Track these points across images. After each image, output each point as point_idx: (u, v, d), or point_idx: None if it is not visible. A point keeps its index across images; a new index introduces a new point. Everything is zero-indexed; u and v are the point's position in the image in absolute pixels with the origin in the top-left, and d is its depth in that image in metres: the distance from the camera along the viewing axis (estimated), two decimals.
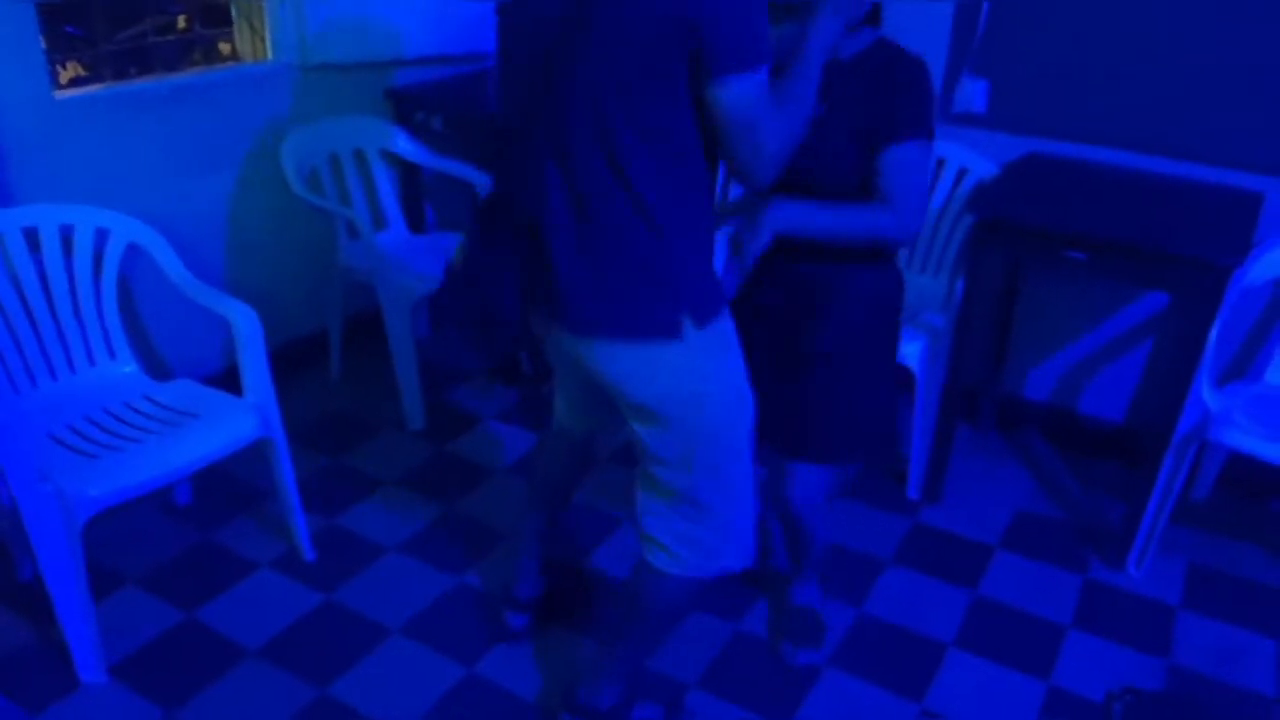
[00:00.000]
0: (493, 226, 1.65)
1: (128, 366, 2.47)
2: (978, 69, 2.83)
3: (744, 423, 1.66)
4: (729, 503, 1.68)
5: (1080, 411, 3.01)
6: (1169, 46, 2.61)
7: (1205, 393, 2.37)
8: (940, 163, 2.84)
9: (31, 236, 2.31)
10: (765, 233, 1.76)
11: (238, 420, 2.23)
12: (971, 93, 2.84)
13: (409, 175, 3.35)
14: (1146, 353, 2.87)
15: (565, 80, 1.44)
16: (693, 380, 1.57)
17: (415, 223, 3.39)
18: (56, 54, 3.25)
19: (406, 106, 3.25)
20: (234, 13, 3.07)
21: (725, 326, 1.60)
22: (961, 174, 2.82)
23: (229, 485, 2.69)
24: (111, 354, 2.46)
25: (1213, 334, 2.29)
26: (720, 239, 1.75)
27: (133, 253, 2.47)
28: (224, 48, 3.24)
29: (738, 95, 1.40)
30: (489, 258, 1.65)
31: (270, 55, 3.05)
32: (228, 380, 2.43)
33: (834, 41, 1.58)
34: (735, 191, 2.08)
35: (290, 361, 3.17)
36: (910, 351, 2.56)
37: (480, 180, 3.12)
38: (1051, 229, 2.37)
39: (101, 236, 2.41)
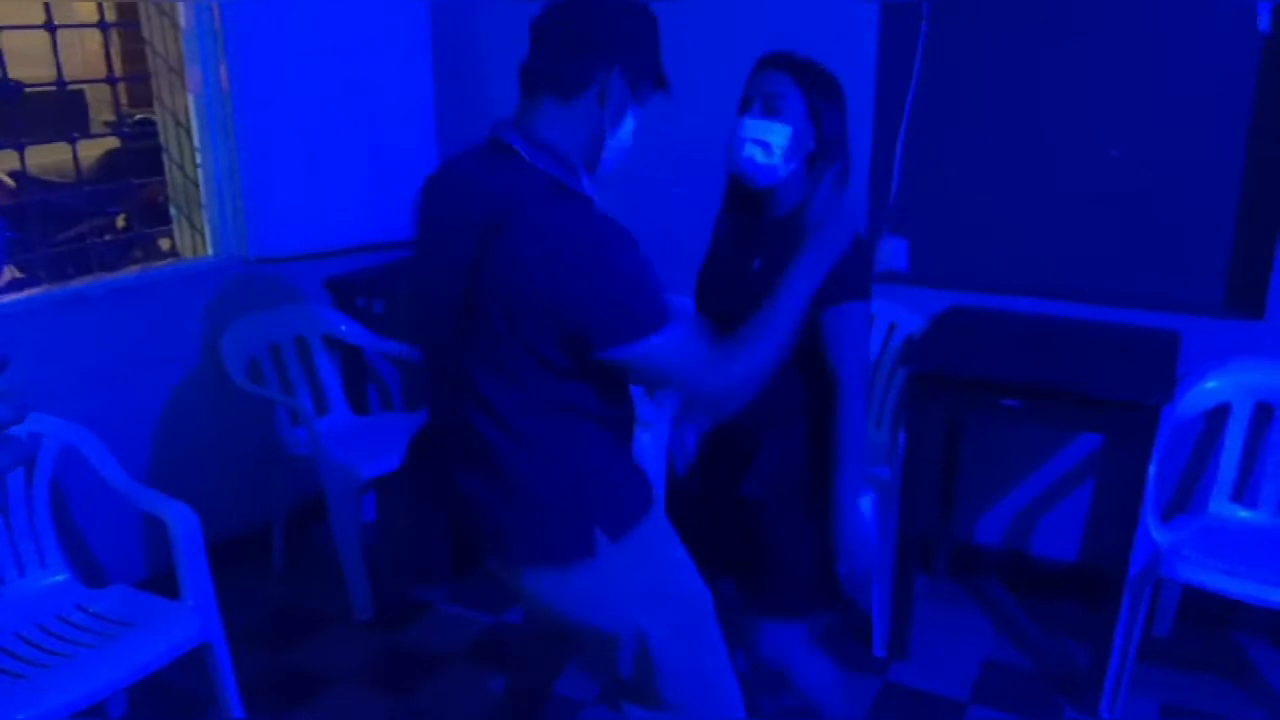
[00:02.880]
0: (420, 466, 1.70)
1: (60, 575, 2.38)
2: (896, 228, 2.97)
3: (698, 617, 1.63)
4: (709, 695, 1.63)
5: (1033, 553, 3.02)
6: (1076, 196, 2.77)
7: (1153, 529, 2.40)
8: (870, 319, 2.92)
9: None
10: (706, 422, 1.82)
11: (175, 627, 2.14)
12: (892, 251, 2.96)
13: (351, 359, 3.36)
14: (1091, 490, 2.91)
15: (461, 338, 1.47)
16: (624, 594, 1.55)
17: (359, 405, 3.37)
18: None
19: (347, 293, 3.29)
20: (173, 211, 3.12)
21: (649, 530, 1.59)
22: (892, 328, 2.90)
23: (167, 695, 2.55)
24: (43, 563, 2.37)
25: (1151, 471, 2.34)
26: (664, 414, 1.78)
27: (68, 455, 2.41)
28: (164, 244, 3.29)
29: (631, 359, 1.42)
30: (418, 504, 1.69)
31: (210, 251, 3.09)
32: (168, 580, 2.34)
33: (816, 287, 1.58)
34: None
35: (232, 554, 3.06)
36: (861, 506, 2.56)
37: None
38: (985, 379, 2.43)
39: (34, 441, 2.36)
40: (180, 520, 2.19)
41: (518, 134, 1.48)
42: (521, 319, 1.40)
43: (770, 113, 1.77)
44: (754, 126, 1.78)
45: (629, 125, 1.53)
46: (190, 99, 2.98)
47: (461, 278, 1.43)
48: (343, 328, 3.23)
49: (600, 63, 1.46)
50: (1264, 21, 2.50)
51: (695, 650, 1.62)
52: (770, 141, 1.77)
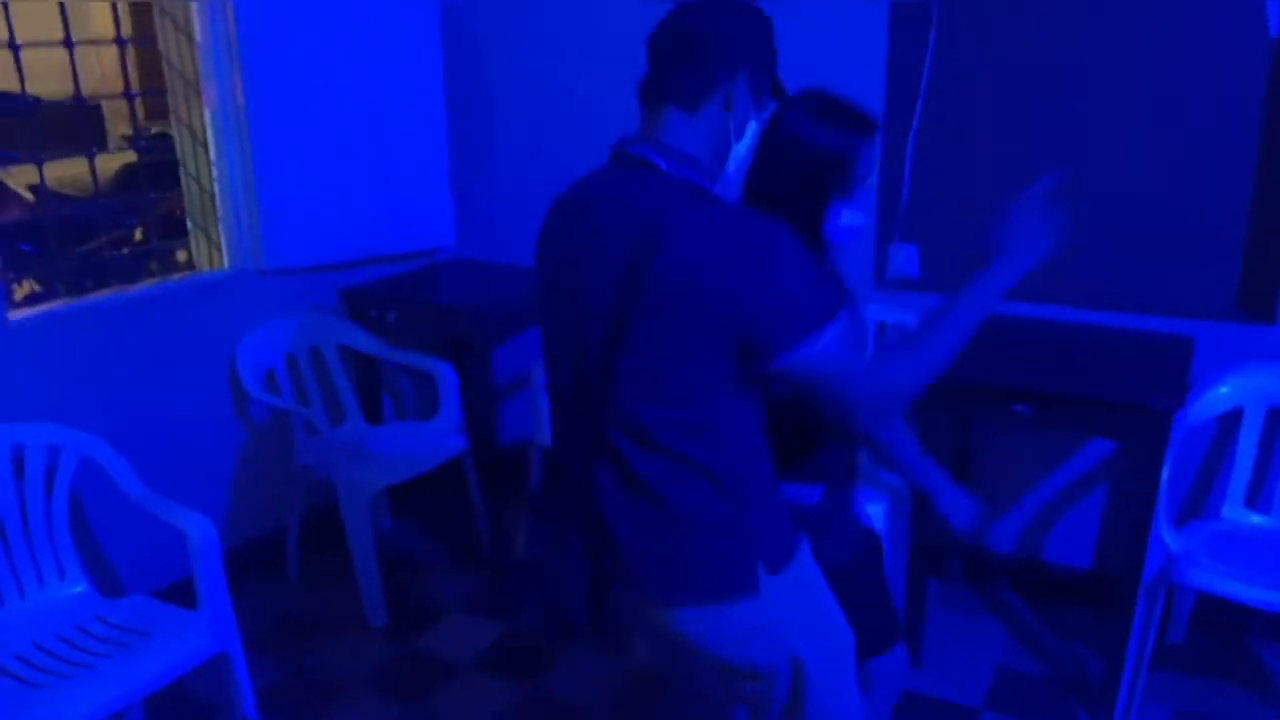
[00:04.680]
0: (551, 509, 1.62)
1: (78, 586, 2.40)
2: (907, 235, 2.97)
3: (845, 654, 1.61)
4: None
5: (1046, 559, 3.02)
6: (1090, 201, 2.76)
7: (1166, 535, 2.39)
8: (882, 326, 2.93)
9: None
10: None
11: (192, 637, 2.17)
12: (904, 259, 2.97)
13: (365, 369, 3.39)
14: (1104, 497, 2.91)
15: (610, 359, 1.42)
16: (781, 630, 1.50)
17: (373, 414, 3.40)
18: (12, 272, 3.31)
19: (360, 303, 3.32)
20: (190, 224, 3.16)
21: (803, 566, 1.54)
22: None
23: (185, 704, 2.57)
24: (62, 574, 2.39)
25: (1164, 477, 2.34)
26: None
27: (86, 467, 2.44)
28: (181, 256, 3.32)
29: (796, 364, 1.36)
30: (551, 547, 1.61)
31: (226, 263, 3.12)
32: (185, 588, 2.37)
33: (998, 301, 1.54)
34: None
35: (248, 562, 3.10)
36: (874, 513, 2.56)
37: (437, 369, 3.16)
38: (996, 386, 2.43)
39: (53, 454, 2.39)
40: (198, 531, 2.21)
41: (651, 148, 1.45)
42: (690, 331, 1.36)
43: (863, 199, 1.75)
44: (860, 218, 1.75)
45: (751, 131, 1.53)
46: (206, 113, 3.01)
47: (612, 299, 1.40)
48: (357, 338, 3.25)
49: (725, 70, 1.45)
50: (1275, 26, 2.50)
51: (843, 688, 1.60)
52: (860, 228, 1.76)
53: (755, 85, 1.49)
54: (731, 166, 1.54)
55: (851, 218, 1.77)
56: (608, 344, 1.42)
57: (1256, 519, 2.61)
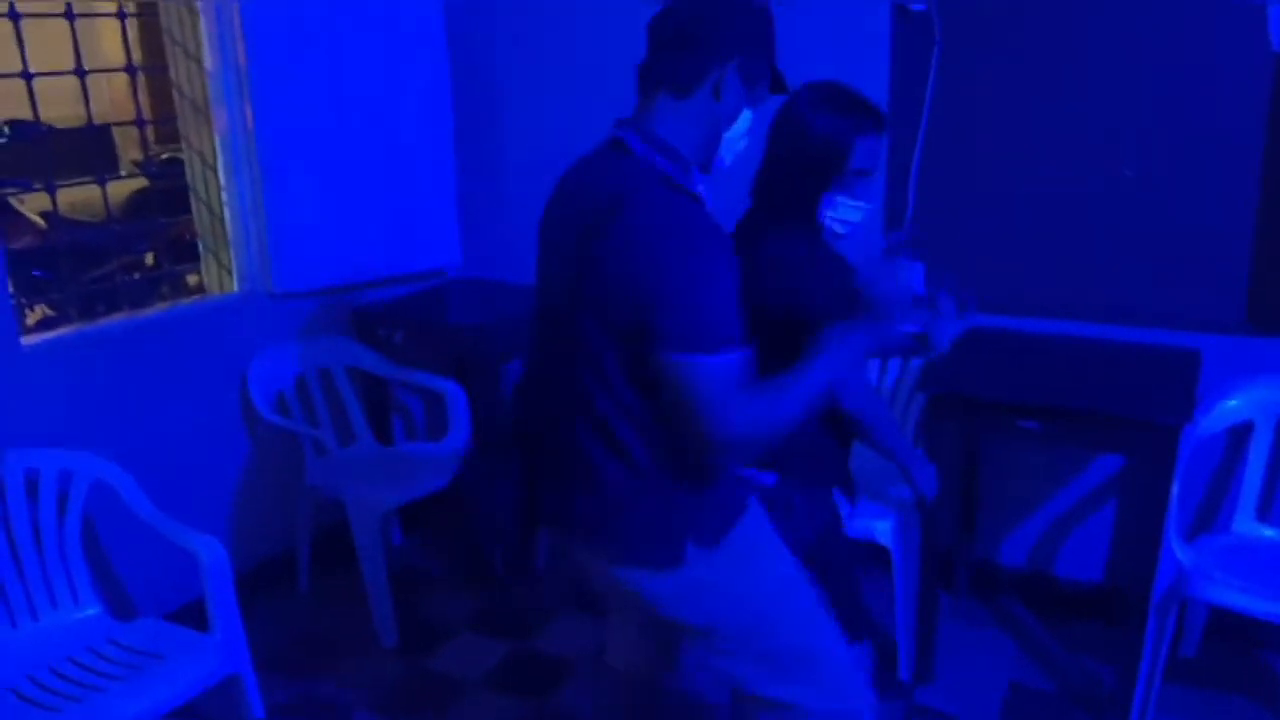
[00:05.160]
0: (504, 439, 1.72)
1: (91, 609, 2.42)
2: (912, 251, 2.98)
3: (799, 602, 1.64)
4: (825, 673, 1.65)
5: (1057, 574, 3.00)
6: (1093, 216, 2.77)
7: (1176, 549, 2.38)
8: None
9: None
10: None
11: (204, 660, 2.18)
12: (908, 274, 2.97)
13: (374, 389, 3.41)
14: (1114, 511, 2.90)
15: (573, 328, 1.48)
16: (714, 593, 1.55)
17: (383, 435, 3.42)
18: (25, 297, 3.34)
19: (369, 324, 3.34)
20: (201, 248, 3.19)
21: (744, 533, 1.58)
22: None
23: None
24: (74, 597, 2.41)
25: (1174, 491, 2.33)
26: None
27: (98, 490, 2.46)
28: (192, 280, 3.35)
29: (675, 375, 1.38)
30: (487, 465, 1.75)
31: (236, 286, 3.15)
32: (196, 610, 2.38)
33: (856, 361, 1.58)
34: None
35: (259, 582, 3.11)
36: (882, 528, 2.57)
37: (445, 388, 3.18)
38: (1003, 401, 2.44)
39: (66, 477, 2.41)
40: (208, 553, 2.23)
41: (633, 131, 1.49)
42: (609, 308, 1.42)
43: (868, 191, 1.79)
44: (858, 210, 1.79)
45: (744, 123, 1.54)
46: (216, 138, 3.05)
47: (570, 274, 1.46)
48: (366, 359, 3.27)
49: (715, 57, 1.47)
50: (1276, 40, 2.51)
51: (803, 631, 1.63)
52: (858, 222, 1.80)
53: (749, 75, 1.51)
54: (728, 156, 1.56)
55: (849, 210, 1.79)
56: (567, 319, 1.49)
57: (1268, 532, 2.59)
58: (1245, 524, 2.61)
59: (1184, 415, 2.30)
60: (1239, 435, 2.65)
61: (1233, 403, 2.55)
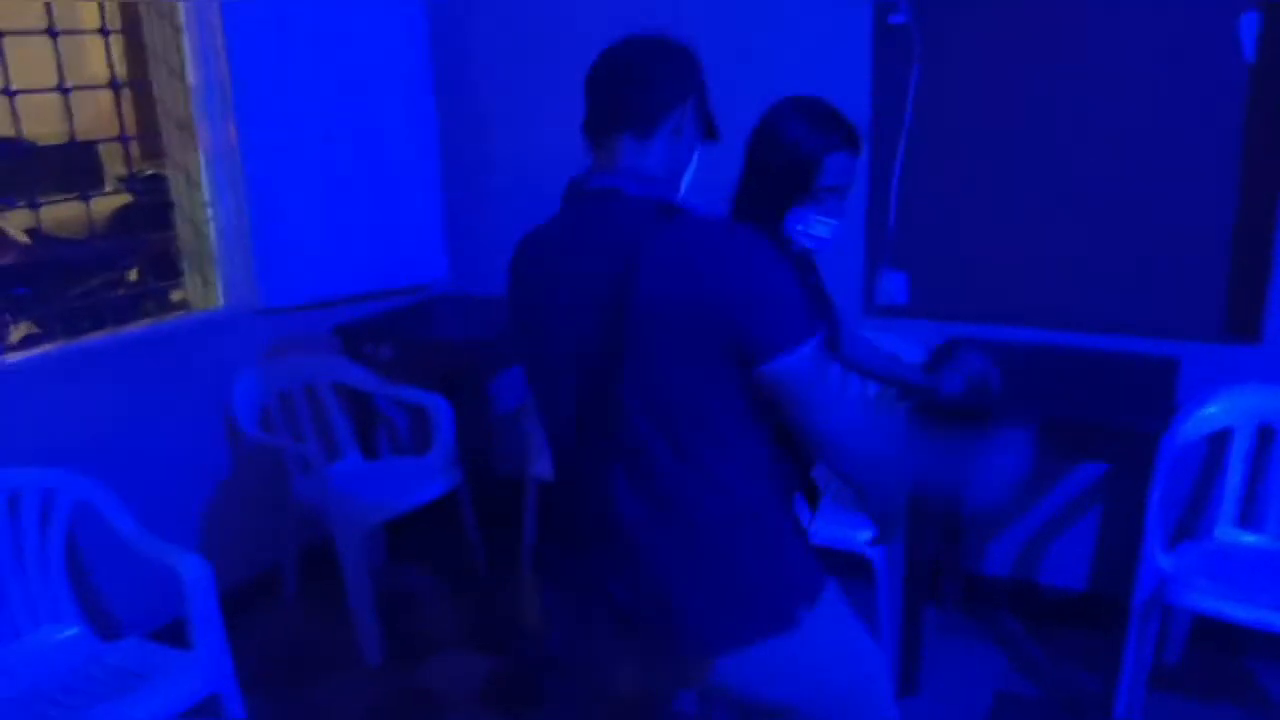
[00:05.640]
0: (564, 573, 1.60)
1: (73, 629, 2.41)
2: (895, 262, 3.00)
3: (879, 680, 1.61)
4: None
5: (1041, 582, 3.02)
6: (1073, 225, 2.80)
7: (1158, 556, 2.40)
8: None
9: None
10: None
11: (186, 678, 2.17)
12: (892, 285, 2.99)
13: (360, 404, 3.40)
14: (1097, 518, 2.91)
15: (612, 383, 1.40)
16: (819, 663, 1.49)
17: (368, 449, 3.41)
18: (7, 315, 3.33)
19: (355, 339, 3.34)
20: (184, 264, 3.19)
21: (831, 593, 1.53)
22: None
23: None
24: (57, 617, 2.40)
25: (1154, 498, 2.35)
26: None
27: (81, 509, 2.45)
28: (176, 296, 3.34)
29: (779, 373, 1.35)
30: (575, 619, 1.60)
31: (221, 302, 3.14)
32: (180, 629, 2.37)
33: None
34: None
35: (243, 600, 3.10)
36: (864, 539, 2.57)
37: (430, 403, 3.18)
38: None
39: (48, 496, 2.40)
40: (191, 572, 2.22)
41: (609, 176, 1.47)
42: (682, 344, 1.35)
43: (839, 209, 1.79)
44: (826, 226, 1.79)
45: (694, 163, 1.55)
46: (200, 154, 3.05)
47: (602, 328, 1.39)
48: (351, 374, 3.27)
49: (676, 97, 1.48)
50: (1248, 52, 2.54)
51: (880, 707, 1.60)
52: (828, 238, 1.80)
53: (698, 116, 1.52)
54: (681, 193, 1.56)
55: (818, 225, 1.80)
56: (605, 375, 1.41)
57: (1249, 538, 2.61)
58: (1226, 530, 2.62)
59: (1163, 423, 2.32)
60: (1218, 442, 2.67)
61: (1211, 410, 2.57)
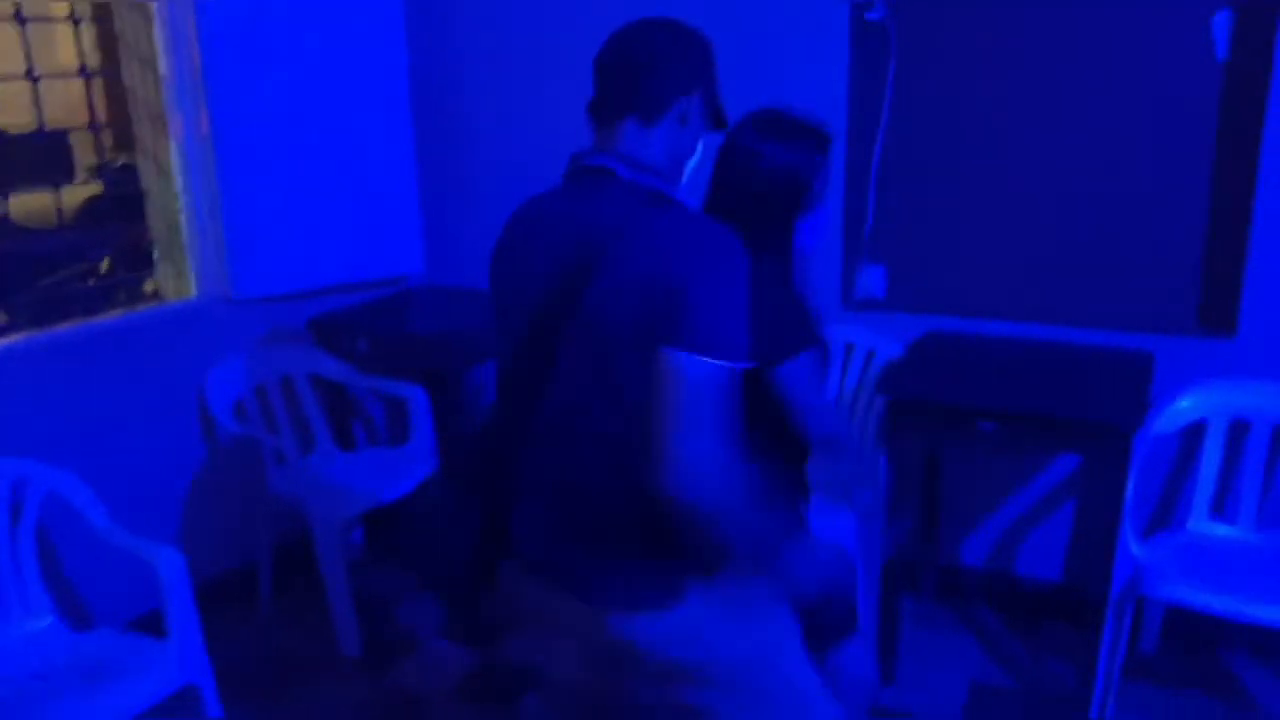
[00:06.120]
0: (465, 472, 1.63)
1: (45, 620, 2.37)
2: (873, 256, 3.01)
3: (792, 649, 1.60)
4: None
5: (1018, 574, 3.04)
6: (1049, 220, 2.82)
7: (1132, 547, 2.42)
8: (849, 347, 2.96)
9: None
10: None
11: (161, 668, 2.14)
12: (870, 279, 3.00)
13: (336, 396, 3.38)
14: (1072, 511, 2.94)
15: (559, 343, 1.43)
16: (713, 631, 1.51)
17: (344, 441, 3.38)
18: None
19: (331, 331, 3.31)
20: (156, 254, 3.15)
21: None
22: (870, 356, 2.94)
23: None
24: (29, 608, 2.36)
25: (1129, 490, 2.37)
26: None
27: (52, 500, 2.42)
28: (148, 287, 3.31)
29: (679, 366, 1.33)
30: (457, 497, 1.63)
31: (194, 293, 3.11)
32: (155, 621, 2.34)
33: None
34: None
35: (219, 595, 3.06)
36: (843, 529, 2.58)
37: (407, 394, 3.16)
38: (961, 404, 2.46)
39: (19, 488, 2.37)
40: (166, 563, 2.19)
41: (606, 156, 1.47)
42: (641, 328, 1.36)
43: (822, 208, 1.81)
44: (817, 229, 1.81)
45: (699, 154, 1.55)
46: (171, 144, 3.01)
47: (566, 298, 1.41)
48: (327, 366, 3.25)
49: (683, 85, 1.48)
50: (1221, 50, 2.57)
51: (789, 673, 1.60)
52: (820, 239, 1.83)
53: (706, 106, 1.52)
54: (684, 182, 1.56)
55: (814, 231, 1.81)
56: (554, 338, 1.44)
57: (1222, 530, 2.64)
58: (1199, 522, 2.65)
59: (1138, 416, 2.34)
60: (1192, 435, 2.70)
61: (1185, 403, 2.60)
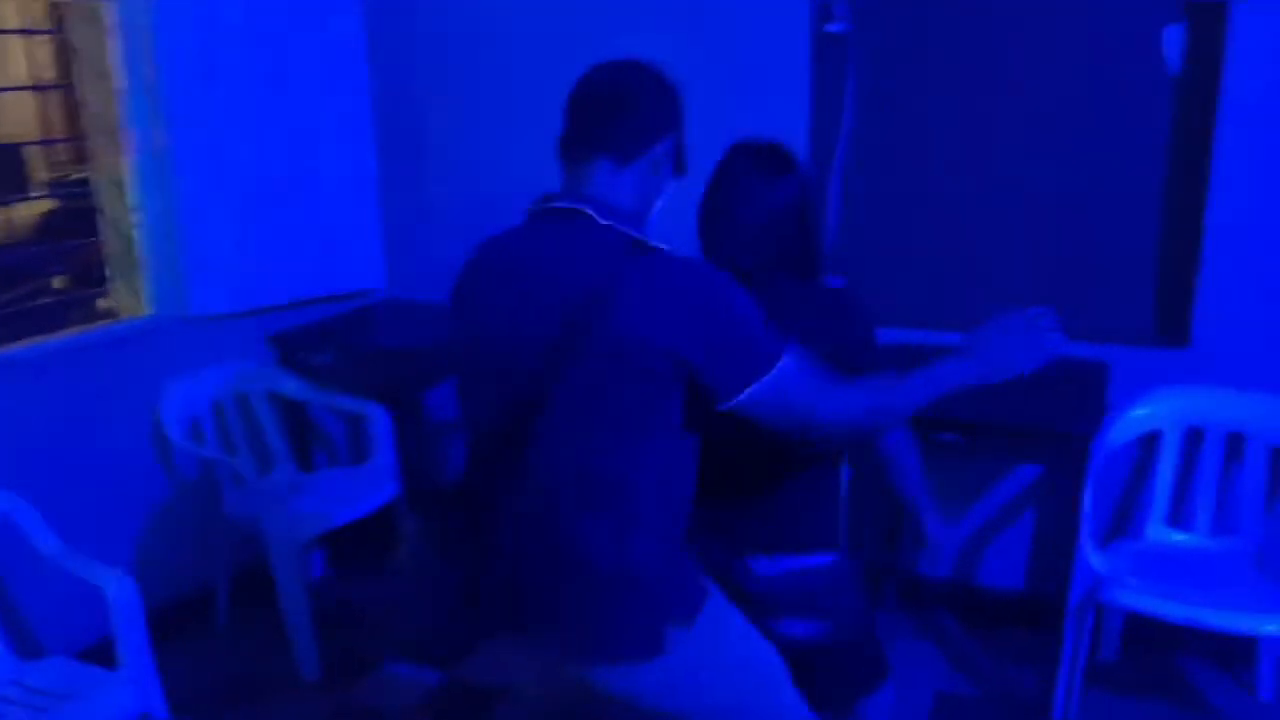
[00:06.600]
0: (444, 538, 1.62)
1: None
2: (833, 268, 3.02)
3: (776, 689, 1.61)
4: None
5: (980, 583, 3.06)
6: (1005, 232, 2.85)
7: (1091, 555, 2.44)
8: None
9: None
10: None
11: (112, 698, 2.10)
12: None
13: (294, 414, 3.33)
14: (1033, 519, 2.96)
15: (543, 401, 1.41)
16: (700, 678, 1.51)
17: (303, 461, 3.34)
18: None
19: (290, 347, 3.27)
20: (111, 271, 3.09)
21: (713, 613, 1.54)
22: None
23: None
24: None
25: (1087, 499, 2.39)
26: None
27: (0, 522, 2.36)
28: (102, 304, 3.25)
29: (755, 402, 1.39)
30: (435, 570, 1.62)
31: (149, 310, 3.06)
32: (107, 649, 2.29)
33: (966, 386, 1.61)
34: None
35: (173, 621, 3.00)
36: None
37: (368, 411, 3.12)
38: (922, 415, 2.46)
39: None
40: (116, 588, 2.15)
41: (578, 200, 1.45)
42: (637, 381, 1.38)
43: None
44: None
45: (666, 198, 1.55)
46: (127, 159, 2.96)
47: (551, 349, 1.39)
48: (286, 384, 3.21)
49: (658, 130, 1.48)
50: (1173, 63, 2.61)
51: (778, 710, 1.61)
52: None
53: (675, 153, 1.52)
54: (649, 227, 1.55)
55: None
56: (537, 393, 1.41)
57: (1179, 537, 2.67)
58: (1157, 530, 2.68)
59: (1095, 425, 2.36)
60: (1149, 444, 2.73)
61: (1141, 412, 2.63)
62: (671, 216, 1.62)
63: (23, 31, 2.90)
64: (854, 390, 1.47)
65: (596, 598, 1.46)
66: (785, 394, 1.41)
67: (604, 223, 1.43)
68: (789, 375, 1.40)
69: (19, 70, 3.22)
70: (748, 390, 1.38)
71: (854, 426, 1.50)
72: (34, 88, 2.91)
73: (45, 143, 3.02)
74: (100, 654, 2.30)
